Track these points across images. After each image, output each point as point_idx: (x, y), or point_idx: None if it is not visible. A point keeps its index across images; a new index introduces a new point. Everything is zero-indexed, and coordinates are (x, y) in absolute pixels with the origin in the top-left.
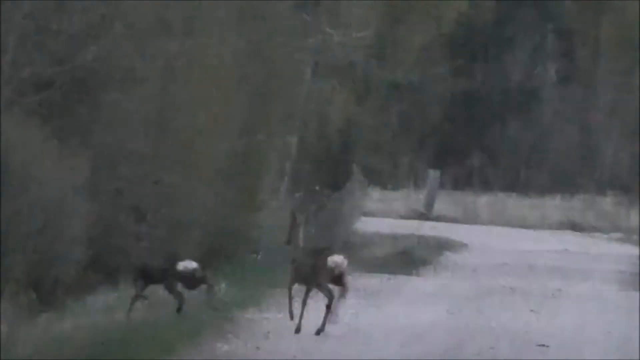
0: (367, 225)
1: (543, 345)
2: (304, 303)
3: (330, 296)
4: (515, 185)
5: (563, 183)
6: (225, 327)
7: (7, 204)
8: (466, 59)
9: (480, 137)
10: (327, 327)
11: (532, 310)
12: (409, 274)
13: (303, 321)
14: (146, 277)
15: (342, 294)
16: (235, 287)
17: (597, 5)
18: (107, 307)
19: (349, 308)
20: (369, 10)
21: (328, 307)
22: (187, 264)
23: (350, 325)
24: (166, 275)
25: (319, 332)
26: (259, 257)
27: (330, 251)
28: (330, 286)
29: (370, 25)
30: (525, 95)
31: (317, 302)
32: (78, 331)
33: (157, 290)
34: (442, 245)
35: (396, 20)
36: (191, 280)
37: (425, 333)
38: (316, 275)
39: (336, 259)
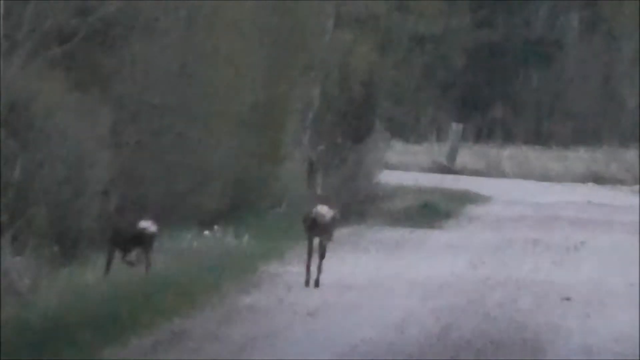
0: (389, 178)
1: (567, 297)
2: (308, 254)
3: (319, 249)
4: (538, 137)
5: (586, 135)
6: (248, 279)
7: (29, 156)
8: (488, 10)
9: (503, 88)
10: (350, 279)
11: (554, 262)
12: (432, 226)
13: (325, 274)
14: (115, 242)
15: (322, 245)
16: (258, 240)
17: None
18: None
19: (371, 260)
20: None
21: (319, 257)
22: (145, 224)
23: (373, 277)
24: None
25: (316, 284)
26: (282, 209)
27: (322, 201)
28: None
29: None
30: (548, 46)
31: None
32: (100, 284)
33: (181, 243)
34: (465, 198)
35: None
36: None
37: (447, 285)
38: (305, 225)
39: (320, 210)
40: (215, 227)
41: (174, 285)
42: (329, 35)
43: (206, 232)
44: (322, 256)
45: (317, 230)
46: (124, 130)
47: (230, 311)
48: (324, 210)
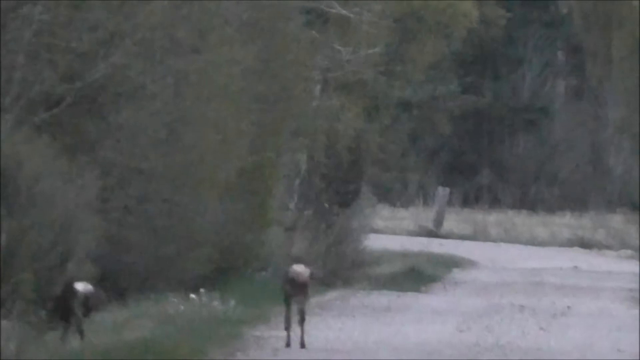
0: (376, 242)
1: None
2: (286, 315)
3: (298, 309)
4: (525, 202)
5: (572, 200)
6: (234, 344)
7: (16, 221)
8: (476, 76)
9: (490, 154)
10: (336, 344)
11: (541, 328)
12: (418, 291)
13: (312, 338)
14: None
15: (301, 304)
16: (244, 304)
17: (606, 22)
18: (116, 325)
19: (357, 325)
20: (379, 28)
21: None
22: (84, 286)
23: (359, 342)
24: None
25: (302, 344)
26: (268, 274)
27: (297, 260)
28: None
29: (379, 42)
30: (535, 112)
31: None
32: (88, 349)
33: (167, 307)
34: (451, 263)
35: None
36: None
37: (435, 351)
38: (284, 287)
39: (296, 269)
40: (202, 291)
41: (160, 350)
42: (316, 101)
43: (192, 296)
44: (302, 317)
45: (296, 289)
46: (111, 196)
47: None
48: (300, 269)
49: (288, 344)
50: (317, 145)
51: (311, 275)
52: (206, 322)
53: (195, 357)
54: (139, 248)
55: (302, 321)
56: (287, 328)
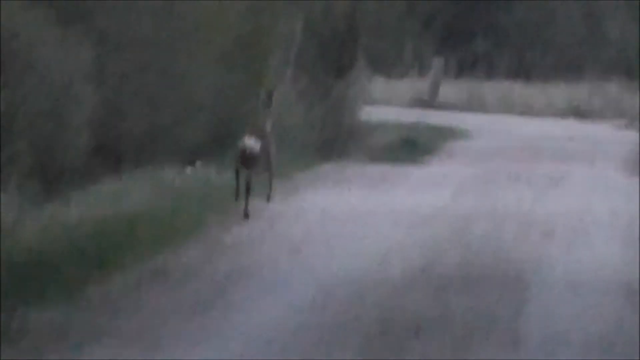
0: (371, 113)
1: (549, 229)
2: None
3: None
4: (520, 71)
5: (568, 68)
6: (231, 213)
7: (11, 91)
8: None
9: (485, 21)
10: (332, 212)
11: (536, 195)
12: (414, 161)
13: (307, 207)
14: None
15: (248, 177)
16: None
17: None
18: (111, 197)
19: (353, 195)
20: None
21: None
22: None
23: (355, 210)
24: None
25: (245, 214)
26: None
27: (251, 132)
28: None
29: None
30: None
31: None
32: (83, 221)
33: (163, 179)
34: (447, 133)
35: None
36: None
37: (430, 218)
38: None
39: (247, 141)
40: (198, 162)
41: (157, 220)
42: None
43: (189, 168)
44: (247, 190)
45: (246, 162)
46: (106, 64)
47: (214, 246)
48: (251, 142)
49: (246, 215)
50: (312, 14)
51: (263, 149)
52: (202, 193)
53: (191, 227)
54: (134, 116)
55: (247, 194)
56: (237, 199)
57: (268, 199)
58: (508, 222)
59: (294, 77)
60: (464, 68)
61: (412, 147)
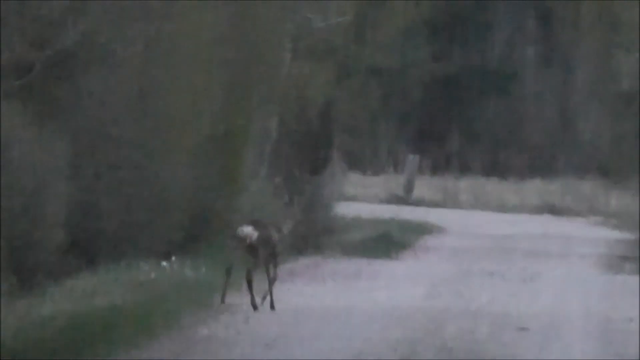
0: (346, 209)
1: (523, 328)
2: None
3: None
4: (495, 168)
5: (542, 166)
6: (205, 310)
7: None
8: (446, 42)
9: (460, 120)
10: (307, 310)
11: (511, 294)
12: (389, 257)
13: (283, 304)
14: None
15: (252, 266)
16: (215, 271)
17: None
18: (87, 292)
19: (328, 291)
20: None
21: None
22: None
23: (330, 308)
24: None
25: (254, 307)
26: None
27: (250, 223)
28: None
29: (349, 8)
30: (505, 78)
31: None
32: (58, 316)
33: (138, 274)
34: (422, 229)
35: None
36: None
37: (405, 316)
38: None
39: (245, 230)
40: (173, 258)
41: (132, 317)
42: (287, 68)
43: (164, 264)
44: (248, 281)
45: (244, 249)
46: (81, 162)
47: (189, 342)
48: (248, 230)
49: (255, 307)
50: (287, 112)
51: (261, 238)
52: (177, 288)
53: (167, 323)
54: (109, 214)
55: (249, 284)
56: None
57: (270, 295)
58: (482, 320)
59: (269, 174)
60: (439, 165)
61: (387, 242)
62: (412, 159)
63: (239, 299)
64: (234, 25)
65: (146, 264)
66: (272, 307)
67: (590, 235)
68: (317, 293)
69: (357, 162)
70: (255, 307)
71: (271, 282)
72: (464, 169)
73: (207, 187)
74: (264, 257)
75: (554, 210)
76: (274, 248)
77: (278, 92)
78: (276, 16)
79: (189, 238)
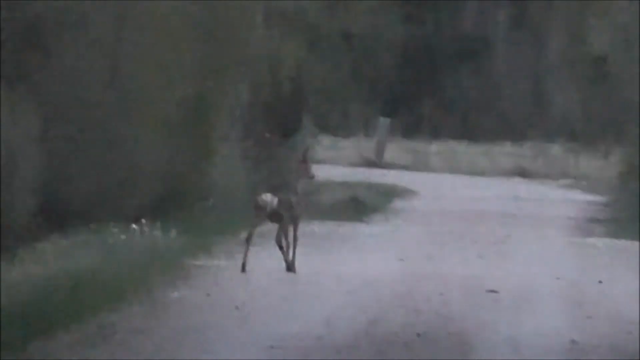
0: (317, 172)
1: (492, 290)
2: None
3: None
4: (466, 132)
5: (513, 130)
6: (175, 273)
7: None
8: (417, 6)
9: (431, 84)
10: (277, 273)
11: (481, 256)
12: (359, 220)
13: (253, 265)
14: None
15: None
16: (186, 235)
17: None
18: (56, 255)
19: (298, 254)
20: None
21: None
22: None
23: (300, 270)
24: None
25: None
26: (211, 204)
27: (268, 189)
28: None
29: None
30: (476, 42)
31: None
32: (28, 279)
33: (107, 237)
34: (392, 193)
35: None
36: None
37: (375, 279)
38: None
39: (265, 197)
40: (143, 221)
41: (101, 280)
42: (258, 32)
43: (134, 227)
44: (280, 245)
45: (271, 217)
46: (51, 126)
47: (158, 304)
48: (267, 197)
49: (243, 268)
50: (258, 76)
51: (281, 203)
52: (147, 252)
53: (136, 286)
54: (79, 178)
55: (281, 247)
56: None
57: (291, 257)
58: (452, 283)
59: (239, 138)
60: (410, 129)
61: (357, 205)
62: (383, 122)
63: (208, 261)
64: None
65: (116, 227)
66: (290, 269)
67: (559, 197)
68: None
69: (328, 125)
70: (290, 269)
71: (293, 245)
72: (435, 133)
73: (178, 152)
74: (287, 220)
75: (524, 173)
76: (294, 210)
77: (249, 56)
78: None
79: (159, 201)
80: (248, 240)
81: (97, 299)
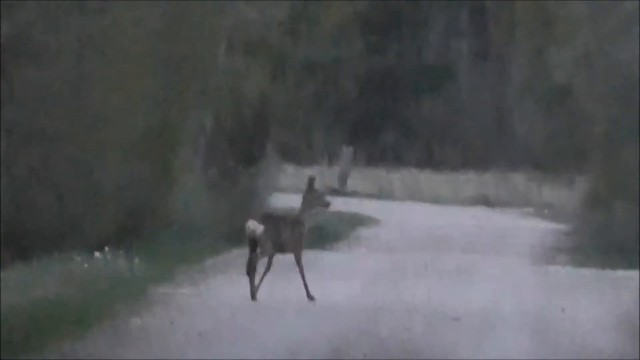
0: (281, 201)
1: (456, 318)
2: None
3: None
4: (429, 161)
5: (476, 159)
6: (139, 301)
7: None
8: (380, 36)
9: (394, 114)
10: (240, 301)
11: (445, 287)
12: (323, 248)
13: (215, 294)
14: None
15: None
16: (150, 262)
17: None
18: (19, 284)
19: (262, 282)
20: None
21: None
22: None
23: (263, 299)
24: None
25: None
26: (174, 232)
27: (255, 217)
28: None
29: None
30: (439, 72)
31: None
32: None
33: (71, 266)
34: (356, 221)
35: None
36: None
37: (339, 308)
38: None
39: (250, 224)
40: (106, 249)
41: (65, 309)
42: (222, 61)
43: (97, 255)
44: (248, 271)
45: (250, 244)
46: (15, 156)
47: (121, 333)
48: (252, 224)
49: (253, 296)
50: (222, 105)
51: (265, 232)
52: (111, 280)
53: (100, 314)
54: (42, 207)
55: (249, 273)
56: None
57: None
58: (415, 312)
59: (203, 166)
60: (373, 158)
61: (321, 233)
62: (347, 151)
63: (172, 289)
64: (169, 20)
65: (79, 255)
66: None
67: (523, 225)
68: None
69: (291, 154)
70: (253, 297)
71: (300, 273)
72: (398, 162)
73: (141, 181)
74: (265, 250)
75: (487, 201)
76: (280, 239)
77: (212, 85)
78: (211, 10)
79: (123, 231)
80: (250, 270)
81: (60, 327)
